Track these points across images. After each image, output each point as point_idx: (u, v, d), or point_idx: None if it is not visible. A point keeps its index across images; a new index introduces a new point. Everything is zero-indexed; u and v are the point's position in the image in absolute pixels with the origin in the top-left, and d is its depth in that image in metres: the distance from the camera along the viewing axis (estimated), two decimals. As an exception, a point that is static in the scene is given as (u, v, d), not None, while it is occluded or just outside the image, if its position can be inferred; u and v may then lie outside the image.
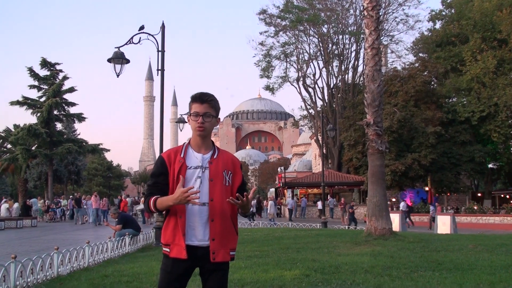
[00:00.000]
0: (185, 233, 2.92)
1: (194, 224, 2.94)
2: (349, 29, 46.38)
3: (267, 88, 49.02)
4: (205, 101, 3.06)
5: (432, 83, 41.72)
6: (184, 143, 3.16)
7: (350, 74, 47.48)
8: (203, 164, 3.02)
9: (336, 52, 47.21)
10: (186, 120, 3.21)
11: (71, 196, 31.06)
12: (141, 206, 28.92)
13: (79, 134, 55.85)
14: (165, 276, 2.99)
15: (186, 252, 2.90)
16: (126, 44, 13.42)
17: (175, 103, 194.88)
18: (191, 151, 3.08)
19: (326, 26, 46.49)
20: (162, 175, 3.03)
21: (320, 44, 47.04)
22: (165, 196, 2.96)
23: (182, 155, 3.04)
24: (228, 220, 3.02)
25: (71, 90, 46.54)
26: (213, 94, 3.14)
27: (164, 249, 3.02)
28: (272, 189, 60.83)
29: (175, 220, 2.97)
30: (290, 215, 35.77)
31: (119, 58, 13.31)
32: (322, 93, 47.87)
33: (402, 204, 31.14)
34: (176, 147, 3.17)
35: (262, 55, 47.32)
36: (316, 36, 46.99)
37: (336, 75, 47.66)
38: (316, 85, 48.01)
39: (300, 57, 48.13)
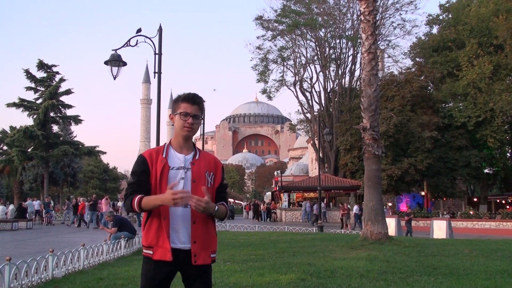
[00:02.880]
0: (170, 235, 2.87)
1: (177, 227, 2.88)
2: (346, 33, 46.42)
3: (264, 92, 49.05)
4: (196, 103, 3.04)
5: (429, 88, 41.84)
6: (165, 143, 3.10)
7: (347, 78, 47.51)
8: (186, 165, 2.97)
9: (333, 56, 47.22)
10: (169, 119, 3.16)
11: (90, 199, 30.47)
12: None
13: (75, 136, 55.77)
14: (146, 282, 2.92)
15: (172, 254, 2.84)
16: (123, 46, 13.39)
17: (172, 106, 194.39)
18: (172, 151, 3.02)
19: (323, 30, 46.52)
20: (144, 174, 2.94)
21: (317, 48, 47.08)
22: (152, 195, 2.89)
23: (164, 155, 2.97)
24: (209, 222, 2.99)
25: (68, 92, 46.44)
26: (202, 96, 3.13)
27: (145, 251, 2.93)
28: (269, 193, 60.88)
29: (158, 222, 2.89)
30: (316, 220, 34.87)
31: (116, 61, 13.28)
32: (319, 97, 47.91)
33: (355, 208, 31.86)
34: (157, 147, 3.11)
35: (259, 59, 47.37)
36: (313, 40, 47.04)
37: (333, 79, 47.67)
38: (313, 89, 48.04)
39: (297, 61, 48.15)
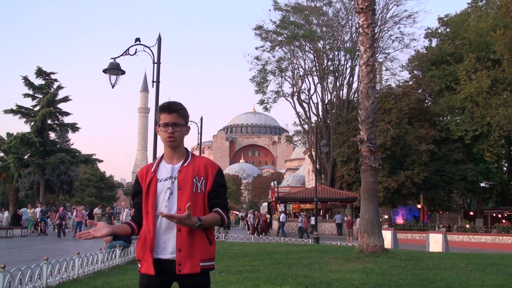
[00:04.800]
0: (154, 248, 2.85)
1: (165, 237, 2.87)
2: (345, 45, 46.70)
3: (262, 103, 49.12)
4: (174, 111, 2.97)
5: (426, 101, 41.98)
6: (158, 157, 3.12)
7: (345, 90, 47.73)
8: (173, 174, 2.94)
9: (331, 68, 47.46)
10: (156, 131, 3.16)
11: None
12: None
13: (72, 144, 55.76)
14: None
15: (154, 267, 2.82)
16: (122, 55, 13.42)
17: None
18: (163, 163, 3.02)
19: (321, 42, 46.80)
20: (138, 194, 3.03)
21: (316, 60, 47.29)
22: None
23: (153, 169, 2.99)
24: (198, 229, 2.82)
25: (66, 99, 46.55)
26: (181, 102, 3.06)
27: (138, 264, 2.98)
28: (265, 204, 60.73)
29: (144, 236, 2.91)
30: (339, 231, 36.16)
31: (114, 69, 13.30)
32: (317, 108, 48.10)
33: (282, 216, 33.42)
34: (151, 162, 3.13)
35: (257, 70, 47.54)
36: (312, 52, 47.28)
37: (330, 91, 47.87)
38: (310, 101, 48.21)
39: (295, 72, 48.40)
